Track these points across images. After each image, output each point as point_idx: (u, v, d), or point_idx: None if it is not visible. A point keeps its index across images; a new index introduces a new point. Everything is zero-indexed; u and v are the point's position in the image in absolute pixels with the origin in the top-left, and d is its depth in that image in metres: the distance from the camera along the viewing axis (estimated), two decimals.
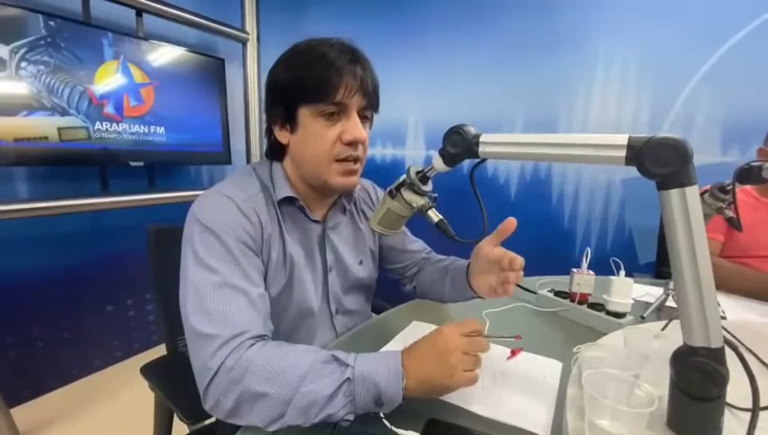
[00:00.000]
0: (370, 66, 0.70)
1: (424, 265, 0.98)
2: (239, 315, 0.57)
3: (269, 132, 0.75)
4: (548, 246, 2.01)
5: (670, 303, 0.99)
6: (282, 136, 0.72)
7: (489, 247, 0.72)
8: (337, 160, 0.69)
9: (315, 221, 0.78)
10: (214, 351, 0.53)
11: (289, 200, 0.73)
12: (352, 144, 0.68)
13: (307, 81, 0.65)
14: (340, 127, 0.67)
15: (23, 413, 1.58)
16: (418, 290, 0.98)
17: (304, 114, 0.67)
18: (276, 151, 0.75)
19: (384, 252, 0.97)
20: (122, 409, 1.68)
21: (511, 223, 0.70)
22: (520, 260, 0.68)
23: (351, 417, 0.51)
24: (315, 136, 0.67)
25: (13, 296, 1.63)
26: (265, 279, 0.69)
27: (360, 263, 0.87)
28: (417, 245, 1.01)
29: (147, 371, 0.95)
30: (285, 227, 0.72)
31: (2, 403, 1.41)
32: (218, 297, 0.57)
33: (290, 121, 0.69)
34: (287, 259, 0.72)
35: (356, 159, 0.70)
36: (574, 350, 0.72)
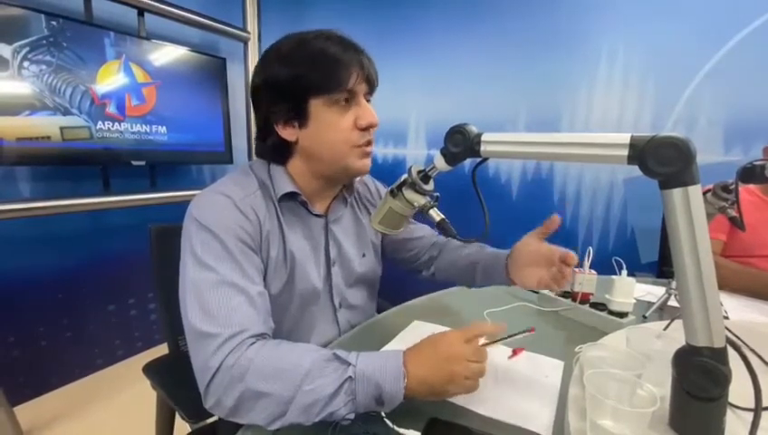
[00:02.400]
0: (366, 51, 0.71)
1: (442, 251, 0.96)
2: (239, 314, 0.57)
3: (266, 133, 0.73)
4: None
5: (672, 302, 0.99)
6: (288, 133, 0.70)
7: (536, 243, 0.76)
8: (353, 147, 0.69)
9: (317, 215, 0.78)
10: (214, 349, 0.53)
11: (290, 196, 0.72)
12: (367, 129, 0.70)
13: (317, 72, 0.65)
14: (353, 114, 0.68)
15: (26, 412, 1.58)
16: (438, 276, 0.96)
17: (316, 105, 0.67)
18: (281, 152, 0.73)
19: (392, 243, 0.95)
20: (124, 407, 1.68)
21: (555, 220, 0.74)
22: (573, 257, 0.70)
23: (352, 416, 0.52)
24: (331, 125, 0.67)
25: (15, 296, 1.63)
26: (266, 276, 0.69)
27: (364, 256, 0.87)
28: (424, 230, 0.99)
29: (149, 369, 0.96)
30: (286, 222, 0.72)
31: (5, 402, 1.42)
32: (217, 296, 0.57)
33: (298, 117, 0.68)
34: (288, 255, 0.72)
35: (369, 142, 0.72)
36: (576, 349, 0.72)
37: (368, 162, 0.73)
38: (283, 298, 0.73)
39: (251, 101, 0.73)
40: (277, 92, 0.68)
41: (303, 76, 0.65)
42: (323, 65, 0.65)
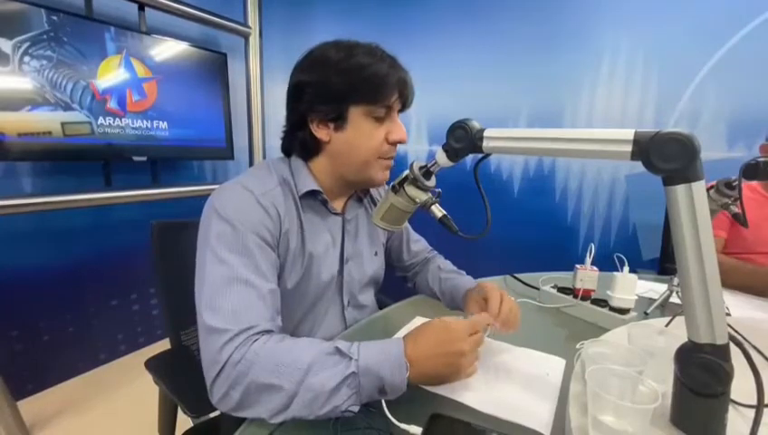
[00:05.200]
0: (408, 71, 0.74)
1: (423, 268, 1.01)
2: (249, 310, 0.58)
3: (297, 128, 0.74)
4: (551, 241, 2.01)
5: (674, 299, 0.99)
6: (321, 132, 0.72)
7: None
8: (380, 158, 0.73)
9: (335, 213, 0.80)
10: (222, 345, 0.54)
11: (310, 194, 0.74)
12: (395, 144, 0.73)
13: (364, 86, 0.68)
14: (386, 128, 0.72)
15: (29, 406, 1.59)
16: (417, 289, 1.03)
17: (356, 114, 0.69)
18: (308, 148, 0.75)
19: (391, 249, 1.00)
20: (127, 402, 1.69)
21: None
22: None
23: (356, 409, 0.52)
24: (366, 135, 0.71)
25: (18, 291, 1.64)
26: (282, 271, 0.71)
27: (375, 254, 0.90)
28: (420, 245, 1.03)
29: (151, 364, 0.96)
30: (306, 219, 0.74)
31: (8, 396, 1.42)
32: (229, 292, 0.58)
33: (336, 120, 0.70)
34: (305, 252, 0.73)
35: (393, 156, 0.75)
36: (577, 346, 0.72)
37: (387, 175, 0.77)
38: (298, 293, 0.74)
39: (288, 96, 0.74)
40: (322, 95, 0.70)
41: (351, 86, 0.68)
42: (371, 81, 0.68)
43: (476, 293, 0.80)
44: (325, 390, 0.50)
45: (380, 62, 0.69)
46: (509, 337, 0.78)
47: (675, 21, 1.70)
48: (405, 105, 0.75)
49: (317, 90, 0.70)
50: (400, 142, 0.73)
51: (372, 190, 0.92)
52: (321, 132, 0.72)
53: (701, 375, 0.43)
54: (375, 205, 0.91)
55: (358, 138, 0.71)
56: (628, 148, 0.44)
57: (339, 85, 0.68)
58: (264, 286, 0.62)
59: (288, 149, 0.78)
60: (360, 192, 0.85)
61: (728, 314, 0.90)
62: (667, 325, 0.79)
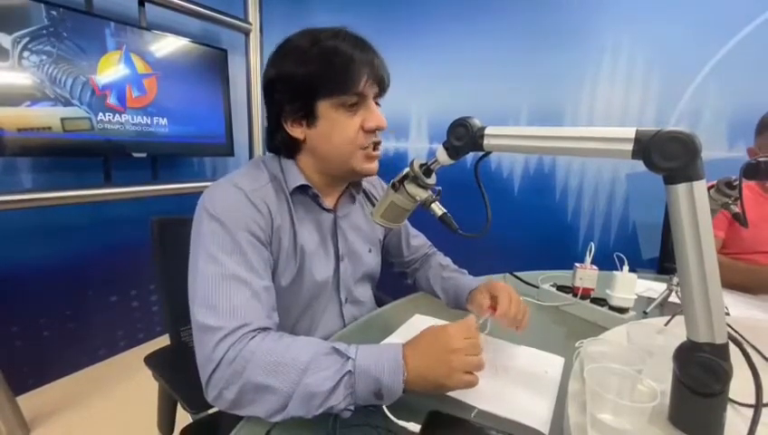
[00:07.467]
0: (379, 53, 0.71)
1: (423, 265, 1.01)
2: (242, 308, 0.57)
3: (275, 129, 0.73)
4: (551, 240, 2.01)
5: (673, 298, 0.99)
6: (296, 131, 0.71)
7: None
8: (361, 148, 0.70)
9: (327, 210, 0.79)
10: (216, 343, 0.54)
11: (301, 189, 0.73)
12: (374, 131, 0.70)
13: (328, 75, 0.65)
14: (361, 116, 0.69)
15: (28, 401, 1.60)
16: (417, 286, 1.02)
17: (325, 107, 0.67)
18: (289, 148, 0.74)
19: (389, 245, 0.99)
20: (126, 398, 1.70)
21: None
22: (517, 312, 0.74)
23: (352, 408, 0.52)
24: (340, 127, 0.68)
25: (18, 286, 1.64)
26: (276, 269, 0.70)
27: (370, 251, 0.89)
28: (419, 240, 1.03)
29: (150, 360, 0.96)
30: (297, 216, 0.73)
31: (8, 391, 1.43)
32: (223, 290, 0.58)
33: (308, 116, 0.69)
34: (298, 248, 0.72)
35: (376, 145, 0.72)
36: (576, 344, 0.72)
37: (375, 165, 0.74)
38: (293, 291, 0.74)
39: (263, 94, 0.73)
40: (288, 90, 0.68)
41: (315, 77, 0.65)
42: (335, 67, 0.65)
43: (485, 289, 0.79)
44: (322, 390, 0.50)
45: (343, 47, 0.65)
46: (508, 335, 0.78)
47: (676, 19, 1.70)
48: (382, 90, 0.71)
49: (283, 86, 0.68)
50: (378, 129, 0.70)
51: (366, 186, 0.91)
52: (295, 131, 0.71)
53: (700, 374, 0.43)
54: (369, 200, 0.91)
55: (330, 132, 0.69)
56: (630, 146, 0.43)
57: (303, 78, 0.66)
58: (258, 284, 0.61)
59: (272, 149, 0.77)
60: (352, 188, 0.84)
61: (727, 314, 0.90)
62: (666, 324, 0.79)
